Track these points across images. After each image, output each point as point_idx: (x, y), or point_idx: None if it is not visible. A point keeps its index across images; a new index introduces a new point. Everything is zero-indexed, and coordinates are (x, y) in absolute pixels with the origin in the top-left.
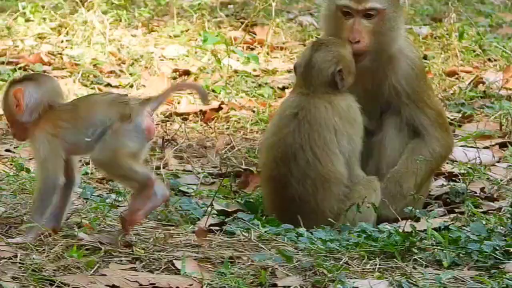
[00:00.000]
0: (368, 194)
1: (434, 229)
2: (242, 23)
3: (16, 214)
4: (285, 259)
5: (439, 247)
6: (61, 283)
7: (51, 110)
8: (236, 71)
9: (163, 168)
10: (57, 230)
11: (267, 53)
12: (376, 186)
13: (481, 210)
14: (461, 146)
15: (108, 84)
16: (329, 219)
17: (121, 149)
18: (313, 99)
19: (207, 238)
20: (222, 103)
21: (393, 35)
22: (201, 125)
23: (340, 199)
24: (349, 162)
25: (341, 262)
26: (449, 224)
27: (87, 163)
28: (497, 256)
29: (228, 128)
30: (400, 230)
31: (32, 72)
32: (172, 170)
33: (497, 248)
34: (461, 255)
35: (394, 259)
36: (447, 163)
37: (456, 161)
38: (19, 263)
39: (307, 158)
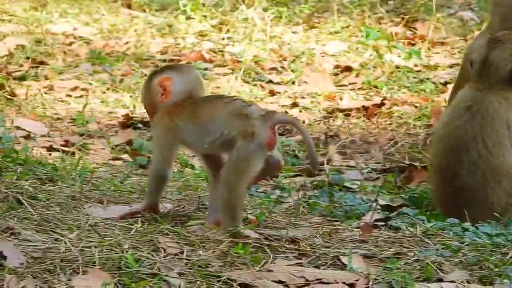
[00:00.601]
0: None
1: None
2: (402, 18)
3: (182, 211)
4: (452, 253)
5: None
6: (228, 279)
7: (188, 101)
8: (397, 67)
9: (327, 164)
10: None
11: (428, 49)
12: None
13: None
14: None
15: (270, 81)
16: (495, 213)
17: (248, 170)
18: (488, 94)
19: (373, 234)
20: (385, 98)
21: None
22: (363, 121)
23: (509, 193)
24: None
25: (507, 257)
26: None
27: None
28: None
29: (391, 124)
30: None
31: (172, 63)
32: (335, 165)
33: None
34: None
35: None
36: None
37: None
38: (185, 259)
39: (479, 150)
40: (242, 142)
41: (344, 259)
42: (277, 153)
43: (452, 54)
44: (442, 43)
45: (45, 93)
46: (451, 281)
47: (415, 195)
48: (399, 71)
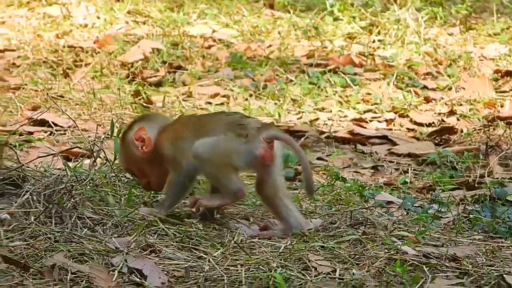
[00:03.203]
0: None
1: None
2: None
3: (333, 226)
4: None
5: None
6: None
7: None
8: None
9: (488, 176)
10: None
11: None
12: None
13: None
14: None
15: (425, 87)
16: None
17: (224, 157)
18: None
19: None
20: None
21: None
22: None
23: None
24: None
25: None
26: None
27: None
28: None
29: None
30: None
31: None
32: (497, 178)
33: None
34: None
35: None
36: None
37: None
38: (338, 278)
39: None
40: (232, 135)
41: (509, 279)
42: (301, 218)
43: None
44: None
45: (184, 100)
46: None
47: None
48: None
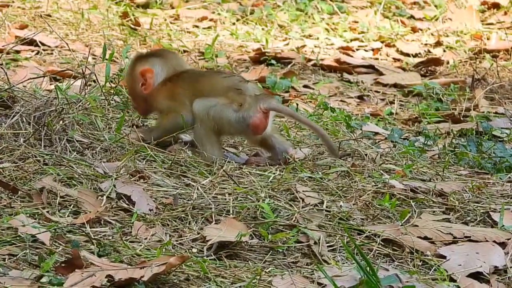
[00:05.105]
0: None
1: None
2: None
3: (321, 157)
4: None
5: None
6: (371, 233)
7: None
8: None
9: (473, 109)
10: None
11: None
12: None
13: None
14: None
15: (412, 17)
16: None
17: (215, 122)
18: None
19: None
20: None
21: None
22: None
23: None
24: None
25: None
26: None
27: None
28: None
29: None
30: None
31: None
32: (483, 112)
33: None
34: None
35: None
36: None
37: None
38: (326, 210)
39: None
40: (227, 102)
41: (495, 216)
42: (285, 142)
43: None
44: None
45: (171, 23)
46: None
47: None
48: None
